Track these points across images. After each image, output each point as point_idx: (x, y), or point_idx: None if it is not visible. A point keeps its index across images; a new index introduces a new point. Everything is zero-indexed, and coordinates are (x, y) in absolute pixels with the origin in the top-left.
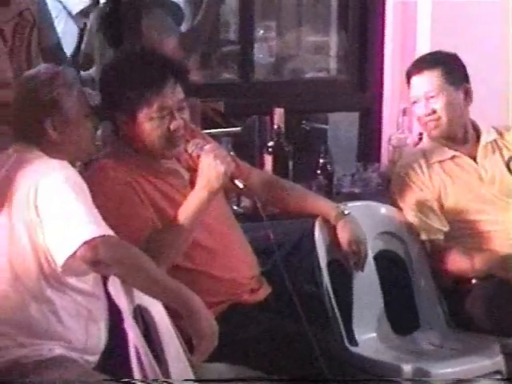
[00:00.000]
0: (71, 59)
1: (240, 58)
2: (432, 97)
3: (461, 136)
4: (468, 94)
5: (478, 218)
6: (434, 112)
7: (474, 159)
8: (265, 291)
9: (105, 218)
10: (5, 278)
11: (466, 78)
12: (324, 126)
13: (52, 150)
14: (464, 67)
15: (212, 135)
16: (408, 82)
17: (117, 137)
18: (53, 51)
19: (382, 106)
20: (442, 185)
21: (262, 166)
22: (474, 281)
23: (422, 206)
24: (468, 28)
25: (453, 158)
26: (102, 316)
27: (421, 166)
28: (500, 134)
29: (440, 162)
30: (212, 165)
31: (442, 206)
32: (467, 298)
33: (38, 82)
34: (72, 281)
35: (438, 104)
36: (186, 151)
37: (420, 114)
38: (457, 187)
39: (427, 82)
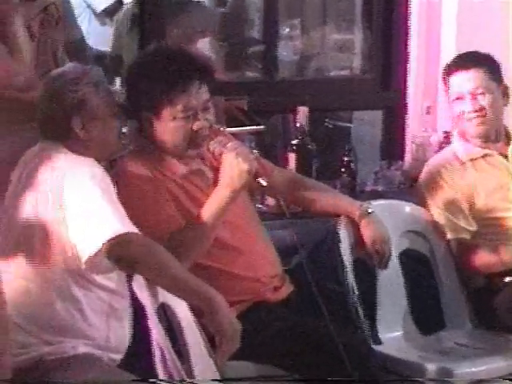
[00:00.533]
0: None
1: (264, 56)
2: (480, 93)
3: (494, 135)
4: (506, 94)
5: (507, 215)
6: (483, 109)
7: (505, 158)
8: (287, 289)
9: (129, 216)
10: (31, 275)
11: (502, 78)
12: (348, 125)
13: (78, 148)
14: (500, 68)
15: (235, 134)
16: (446, 78)
17: (141, 135)
18: (77, 46)
19: (406, 104)
20: (473, 183)
21: (285, 164)
22: (507, 279)
23: (450, 205)
24: (494, 24)
25: (485, 156)
26: (126, 314)
27: (453, 165)
28: None
29: (472, 160)
30: (234, 163)
31: (471, 205)
32: (497, 296)
33: (66, 81)
34: (97, 278)
35: (486, 101)
36: (208, 149)
37: (465, 110)
38: (488, 185)
39: (474, 78)
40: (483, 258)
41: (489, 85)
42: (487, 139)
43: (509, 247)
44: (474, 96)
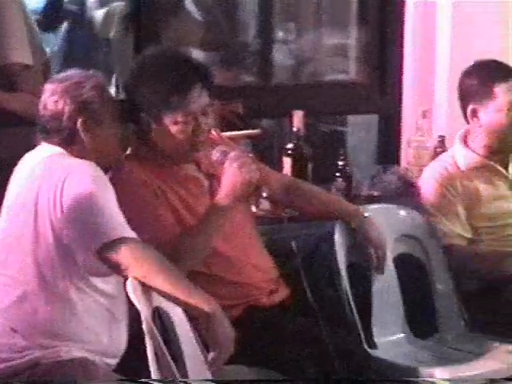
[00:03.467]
0: None
1: (259, 60)
2: None
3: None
4: None
5: (506, 223)
6: None
7: (506, 167)
8: (282, 293)
9: (127, 220)
10: (30, 278)
11: None
12: (343, 129)
13: (80, 152)
14: None
15: (231, 138)
16: (491, 85)
17: (139, 139)
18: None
19: (402, 109)
20: (472, 191)
21: (280, 168)
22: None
23: (447, 211)
24: (489, 29)
25: (485, 166)
26: (124, 318)
27: (452, 172)
28: None
29: (472, 168)
30: (237, 173)
31: (469, 212)
32: (490, 301)
33: (70, 84)
34: (95, 281)
35: None
36: (210, 158)
37: None
38: (488, 195)
39: None
40: (478, 264)
41: None
42: (491, 148)
43: (505, 253)
44: None
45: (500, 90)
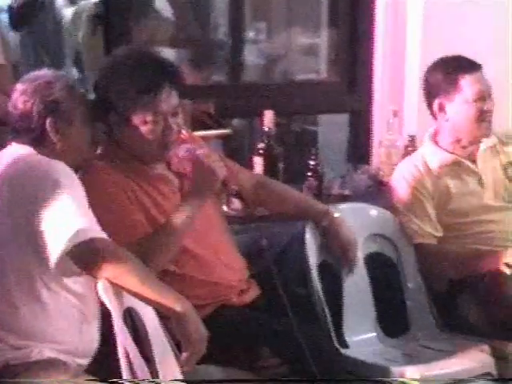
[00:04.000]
0: None
1: (230, 59)
2: (489, 94)
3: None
4: None
5: (477, 219)
6: (492, 109)
7: (474, 162)
8: (254, 293)
9: (97, 220)
10: (2, 279)
11: None
12: (314, 128)
13: (50, 153)
14: None
15: (202, 137)
16: (455, 79)
17: (109, 139)
18: None
19: (372, 108)
20: (443, 189)
21: (251, 167)
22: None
23: (417, 210)
24: (459, 30)
25: (454, 162)
26: (95, 318)
27: (422, 171)
28: (499, 139)
29: (442, 166)
30: (205, 170)
31: (440, 210)
32: (460, 299)
33: (40, 84)
34: (67, 282)
35: (492, 102)
36: (178, 156)
37: (485, 109)
38: (458, 191)
39: (487, 79)
40: (449, 263)
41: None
42: (460, 142)
43: (475, 252)
44: (490, 96)
45: (465, 82)
